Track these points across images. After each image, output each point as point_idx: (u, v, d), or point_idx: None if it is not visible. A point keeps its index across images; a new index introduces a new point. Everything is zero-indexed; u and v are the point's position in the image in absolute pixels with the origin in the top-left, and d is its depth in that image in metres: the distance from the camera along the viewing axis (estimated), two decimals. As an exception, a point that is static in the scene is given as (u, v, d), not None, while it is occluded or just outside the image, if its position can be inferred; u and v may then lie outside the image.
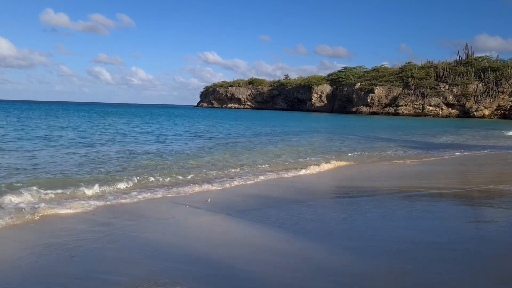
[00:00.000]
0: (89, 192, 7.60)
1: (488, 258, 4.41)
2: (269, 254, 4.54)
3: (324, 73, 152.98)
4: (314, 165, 11.69)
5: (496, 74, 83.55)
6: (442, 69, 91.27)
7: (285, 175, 10.27)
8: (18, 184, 7.71)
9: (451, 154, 16.10)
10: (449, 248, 4.72)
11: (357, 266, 4.16)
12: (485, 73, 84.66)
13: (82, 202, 6.80)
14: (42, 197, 7.04)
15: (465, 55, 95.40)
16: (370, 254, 4.53)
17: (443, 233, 5.32)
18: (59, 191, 7.45)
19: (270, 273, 4.00)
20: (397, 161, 13.56)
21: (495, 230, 5.55)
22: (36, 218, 5.90)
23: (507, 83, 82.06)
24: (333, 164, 12.18)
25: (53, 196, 7.18)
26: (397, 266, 4.17)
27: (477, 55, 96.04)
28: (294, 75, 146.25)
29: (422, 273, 3.96)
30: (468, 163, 13.62)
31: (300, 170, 10.89)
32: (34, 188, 7.35)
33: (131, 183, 8.47)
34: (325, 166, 11.61)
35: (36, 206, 6.35)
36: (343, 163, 12.69)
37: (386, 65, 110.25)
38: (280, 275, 3.96)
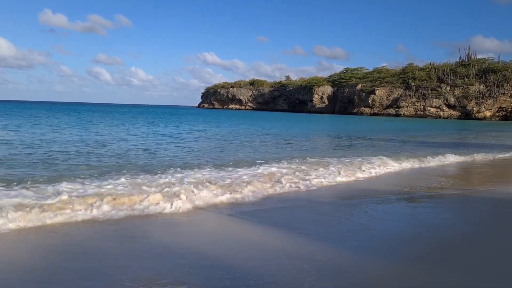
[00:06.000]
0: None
1: (488, 257, 4.47)
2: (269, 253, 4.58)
3: (323, 74, 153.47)
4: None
5: (497, 76, 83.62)
6: (443, 70, 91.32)
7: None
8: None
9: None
10: (447, 247, 4.78)
11: (360, 266, 4.22)
12: (487, 75, 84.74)
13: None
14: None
15: (466, 57, 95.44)
16: (370, 253, 4.59)
17: (442, 232, 5.39)
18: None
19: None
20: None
21: (496, 229, 5.63)
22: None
23: (508, 85, 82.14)
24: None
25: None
26: (399, 267, 4.22)
27: (478, 56, 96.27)
28: (293, 76, 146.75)
29: (422, 273, 4.02)
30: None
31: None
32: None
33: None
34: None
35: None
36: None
37: (387, 66, 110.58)
38: (285, 275, 4.00)
